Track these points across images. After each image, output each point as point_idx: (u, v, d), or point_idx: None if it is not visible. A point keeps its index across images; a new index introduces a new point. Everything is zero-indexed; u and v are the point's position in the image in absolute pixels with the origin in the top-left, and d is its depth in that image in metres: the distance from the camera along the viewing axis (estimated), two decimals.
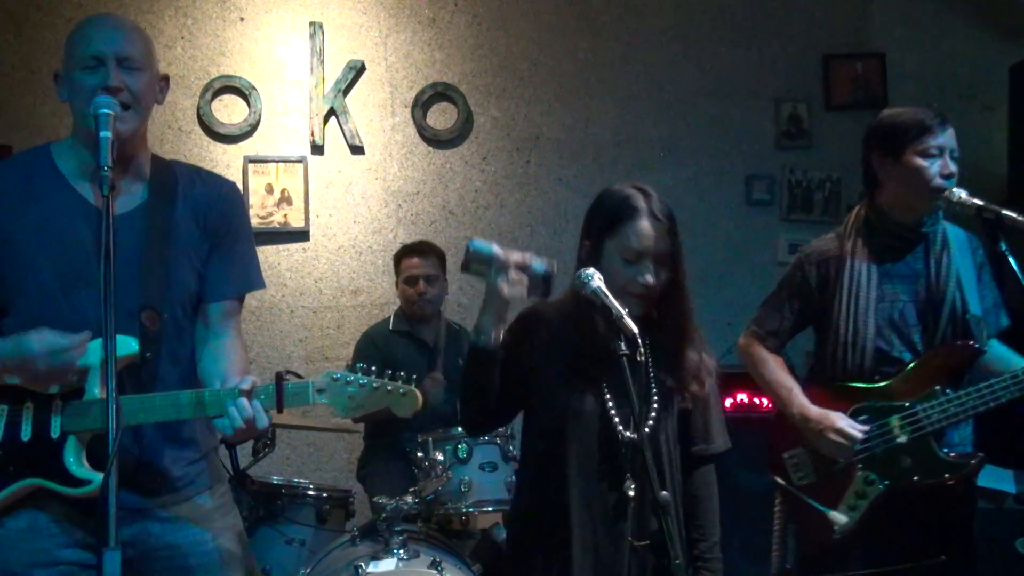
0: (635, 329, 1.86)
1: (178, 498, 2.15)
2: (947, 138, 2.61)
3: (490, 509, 3.35)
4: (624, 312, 1.88)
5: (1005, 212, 2.47)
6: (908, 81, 5.06)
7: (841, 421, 2.64)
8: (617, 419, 2.07)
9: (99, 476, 1.96)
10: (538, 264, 2.01)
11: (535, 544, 2.13)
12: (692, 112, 5.02)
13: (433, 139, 4.88)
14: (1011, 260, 2.48)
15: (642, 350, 1.86)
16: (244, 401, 1.97)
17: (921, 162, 2.61)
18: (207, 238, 2.21)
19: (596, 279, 1.96)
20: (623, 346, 1.88)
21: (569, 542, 2.05)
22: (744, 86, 5.04)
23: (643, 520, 2.06)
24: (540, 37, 4.95)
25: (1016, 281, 2.48)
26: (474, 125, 4.91)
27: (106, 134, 1.93)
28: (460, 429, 3.40)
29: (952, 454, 2.64)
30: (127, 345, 2.01)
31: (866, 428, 2.64)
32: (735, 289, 4.88)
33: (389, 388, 2.02)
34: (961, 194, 2.56)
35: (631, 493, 2.04)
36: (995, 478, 3.58)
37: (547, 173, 4.97)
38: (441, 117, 4.90)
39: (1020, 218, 2.46)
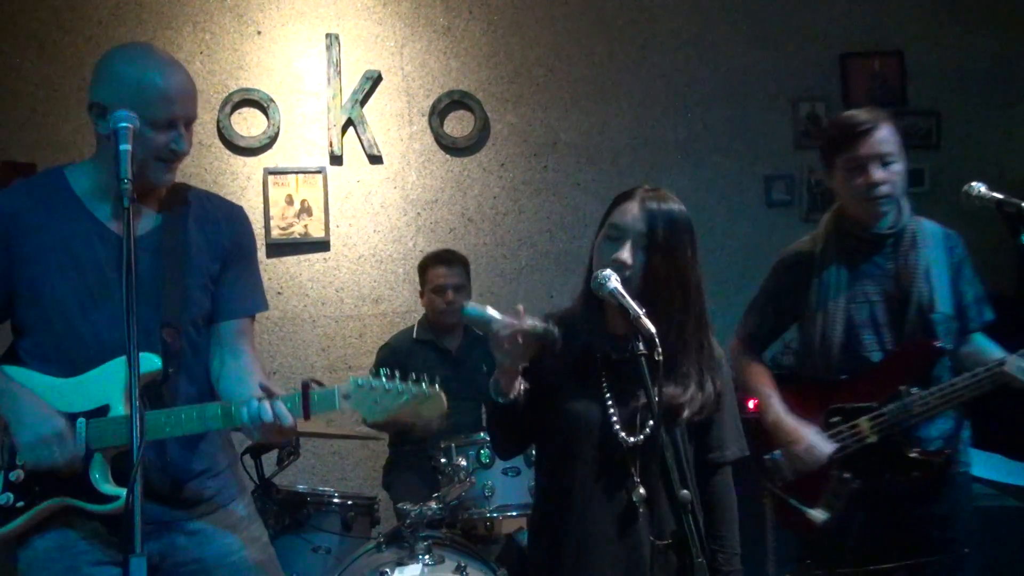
0: (652, 329, 1.84)
1: (207, 508, 2.18)
2: (871, 146, 2.60)
3: (514, 514, 3.35)
4: (641, 312, 1.87)
5: None
6: (926, 78, 5.04)
7: (811, 437, 2.66)
8: (618, 424, 2.05)
9: (125, 492, 1.99)
10: (534, 327, 1.94)
11: (555, 552, 2.11)
12: (709, 114, 5.02)
13: (451, 147, 4.90)
14: None
15: (660, 350, 1.84)
16: (266, 405, 1.99)
17: (846, 175, 2.65)
18: (218, 260, 2.24)
19: (613, 280, 1.95)
20: (641, 346, 1.87)
21: (587, 548, 2.04)
22: (761, 86, 5.03)
23: (663, 520, 2.05)
24: (555, 42, 4.97)
25: None
26: (491, 132, 4.93)
27: (126, 147, 1.94)
28: (483, 435, 3.41)
29: (918, 451, 2.63)
30: (150, 362, 2.03)
31: (835, 445, 2.65)
32: (755, 291, 4.84)
33: (414, 391, 2.01)
34: (980, 188, 2.54)
35: (639, 497, 2.02)
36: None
37: (565, 178, 4.98)
38: (458, 125, 4.93)
39: None
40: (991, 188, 2.55)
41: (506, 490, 3.35)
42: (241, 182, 4.75)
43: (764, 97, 5.03)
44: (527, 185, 4.95)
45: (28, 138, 4.60)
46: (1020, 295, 4.61)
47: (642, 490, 2.02)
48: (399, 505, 3.25)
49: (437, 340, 4.14)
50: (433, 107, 4.87)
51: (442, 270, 4.12)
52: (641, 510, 2.02)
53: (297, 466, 3.90)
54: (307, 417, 2.03)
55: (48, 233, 2.10)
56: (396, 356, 4.10)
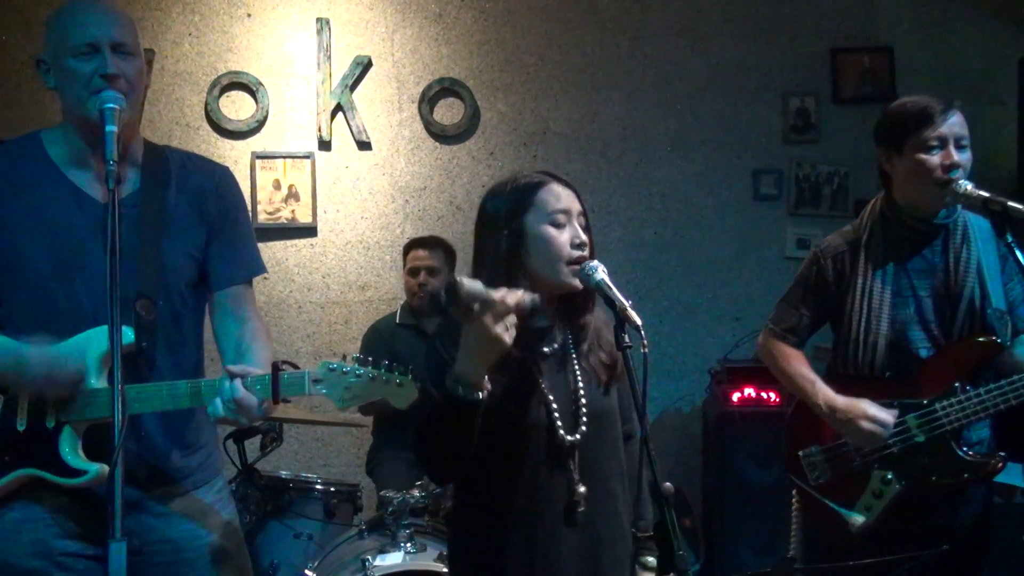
0: (639, 321, 1.83)
1: (175, 491, 2.14)
2: (950, 127, 2.53)
3: None
4: (628, 304, 1.86)
5: (1011, 204, 2.42)
6: (916, 75, 5.04)
7: (871, 408, 2.55)
8: (560, 422, 1.99)
9: (94, 466, 1.98)
10: (534, 300, 1.82)
11: (501, 553, 1.98)
12: (699, 106, 5.01)
13: (440, 134, 4.88)
14: (1018, 252, 2.44)
15: (645, 342, 1.83)
16: (238, 383, 1.94)
17: (921, 155, 2.53)
18: (204, 224, 2.19)
19: (600, 271, 1.94)
20: (627, 338, 1.86)
21: (534, 550, 1.96)
22: (751, 80, 5.02)
23: (609, 513, 2.02)
24: (547, 31, 4.95)
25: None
26: (481, 120, 4.92)
27: (112, 128, 1.93)
28: None
29: (971, 453, 2.55)
30: (122, 335, 1.96)
31: (895, 411, 2.55)
32: (742, 284, 4.87)
33: (386, 379, 1.95)
34: (967, 186, 2.50)
35: (579, 495, 1.96)
36: (1004, 472, 3.57)
37: (554, 167, 4.87)
38: (448, 112, 4.91)
39: None
40: (978, 186, 2.52)
41: None
42: (228, 165, 4.67)
43: (754, 90, 5.02)
44: None
45: (14, 116, 4.56)
46: None
47: (582, 488, 1.97)
48: (382, 492, 3.26)
49: (419, 324, 4.14)
50: (423, 94, 4.86)
51: (420, 252, 4.16)
52: (581, 508, 1.97)
53: (280, 452, 3.89)
54: (276, 400, 1.97)
55: (23, 199, 2.06)
56: (381, 338, 4.13)
